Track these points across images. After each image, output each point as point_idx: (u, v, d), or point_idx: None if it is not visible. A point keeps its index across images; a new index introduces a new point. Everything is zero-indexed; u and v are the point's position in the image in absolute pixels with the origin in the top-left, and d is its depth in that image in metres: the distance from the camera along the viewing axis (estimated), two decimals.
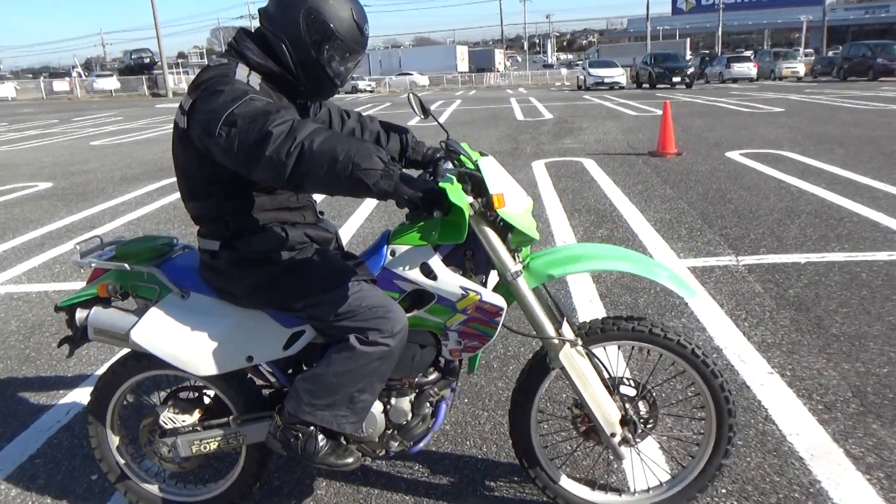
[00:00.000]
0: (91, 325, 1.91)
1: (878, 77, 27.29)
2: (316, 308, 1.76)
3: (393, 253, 1.81)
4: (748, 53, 39.34)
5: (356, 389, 1.76)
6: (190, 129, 1.65)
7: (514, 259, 1.80)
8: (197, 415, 2.01)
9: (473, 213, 1.69)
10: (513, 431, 2.03)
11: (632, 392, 1.96)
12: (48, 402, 2.95)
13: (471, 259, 1.81)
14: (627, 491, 2.13)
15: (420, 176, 1.65)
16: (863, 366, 2.95)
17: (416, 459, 2.38)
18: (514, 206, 1.72)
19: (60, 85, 47.10)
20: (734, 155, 8.91)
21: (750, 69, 31.96)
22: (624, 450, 1.91)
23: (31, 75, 71.50)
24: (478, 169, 1.69)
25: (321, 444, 1.84)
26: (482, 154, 1.88)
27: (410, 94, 1.97)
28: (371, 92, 41.89)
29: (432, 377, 1.92)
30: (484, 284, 1.85)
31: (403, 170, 1.55)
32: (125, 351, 2.03)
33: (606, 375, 1.92)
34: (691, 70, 29.52)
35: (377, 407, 1.89)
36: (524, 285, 1.78)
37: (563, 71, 51.26)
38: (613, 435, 1.89)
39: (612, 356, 2.11)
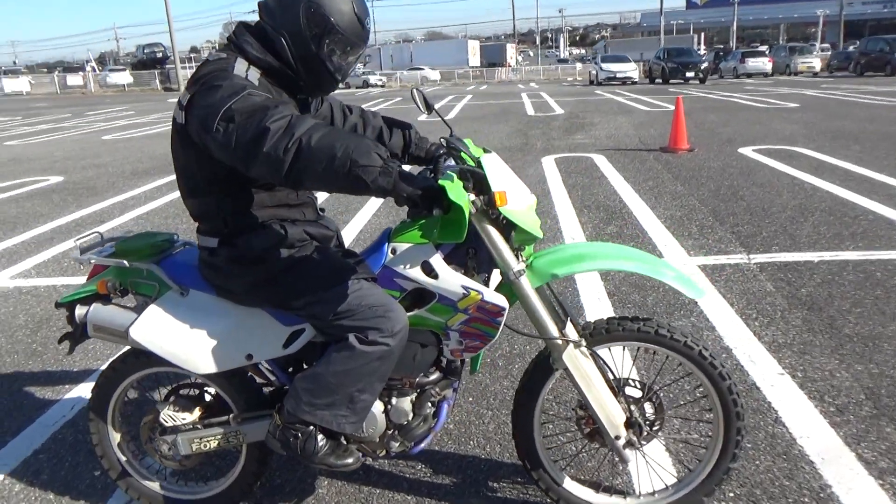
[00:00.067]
0: (90, 322, 1.89)
1: (895, 72, 26.90)
2: (315, 306, 1.73)
3: (394, 251, 1.78)
4: (763, 48, 38.95)
5: (356, 389, 1.74)
6: (188, 125, 1.63)
7: (518, 258, 1.76)
8: (197, 413, 2.00)
9: (475, 211, 1.66)
10: (516, 432, 2.00)
11: (637, 394, 1.92)
12: (53, 397, 2.95)
13: (473, 258, 1.78)
14: (632, 494, 2.10)
15: (420, 173, 1.62)
16: (876, 367, 2.89)
17: (418, 459, 2.36)
18: (516, 203, 1.68)
19: (74, 79, 47.47)
20: (747, 151, 8.80)
21: (765, 64, 31.57)
22: (628, 453, 1.88)
23: (45, 70, 72.15)
24: (480, 166, 1.65)
25: (321, 443, 1.81)
26: (485, 151, 1.85)
27: (414, 90, 1.94)
28: (382, 87, 41.88)
29: (434, 377, 1.89)
30: (486, 283, 1.82)
31: (403, 167, 1.52)
32: (128, 347, 2.02)
33: (611, 377, 1.88)
34: (705, 65, 29.18)
35: (378, 407, 1.87)
36: (527, 285, 1.75)
37: (578, 66, 50.91)
38: (618, 438, 1.85)
39: (620, 357, 2.07)
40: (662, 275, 1.80)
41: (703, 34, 62.00)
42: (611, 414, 1.84)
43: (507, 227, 1.71)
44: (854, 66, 30.15)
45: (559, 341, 1.79)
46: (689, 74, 28.18)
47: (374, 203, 6.42)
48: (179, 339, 1.82)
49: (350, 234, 5.43)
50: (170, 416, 1.97)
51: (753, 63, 31.71)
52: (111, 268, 1.92)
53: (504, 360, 3.13)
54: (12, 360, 3.36)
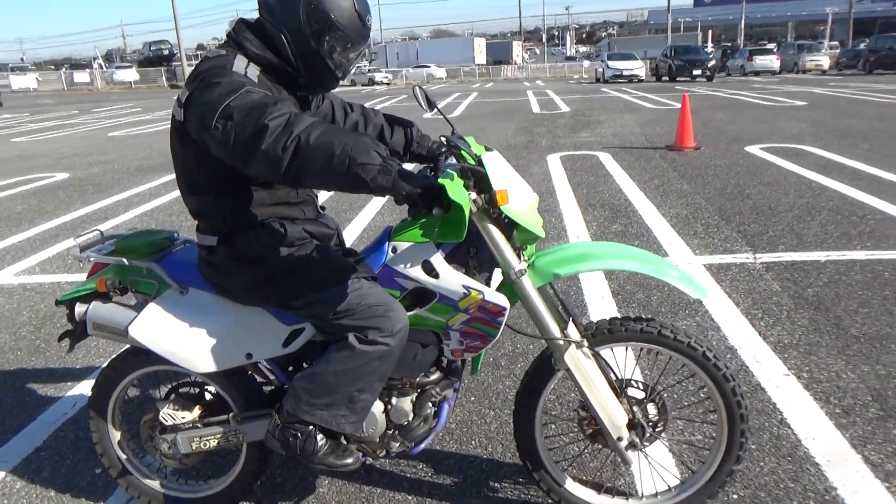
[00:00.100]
0: (90, 320, 1.89)
1: None
2: (315, 306, 1.72)
3: (394, 250, 1.77)
4: (771, 46, 38.68)
5: (355, 389, 1.73)
6: (186, 122, 1.62)
7: (519, 257, 1.74)
8: (197, 411, 1.99)
9: (476, 210, 1.64)
10: (517, 433, 1.98)
11: (640, 395, 1.90)
12: (56, 394, 2.95)
13: (474, 257, 1.77)
14: (635, 495, 2.08)
15: (420, 171, 1.60)
16: (884, 368, 2.85)
17: (419, 458, 2.35)
18: (518, 202, 1.66)
19: (81, 76, 47.67)
20: (754, 149, 8.74)
21: (773, 62, 31.38)
22: (631, 454, 1.86)
23: (53, 67, 72.42)
24: (481, 164, 1.63)
25: (320, 443, 1.80)
26: (487, 149, 1.83)
27: (416, 87, 1.92)
28: (388, 84, 41.84)
29: (434, 377, 1.87)
30: (488, 283, 1.80)
31: (402, 165, 1.50)
32: (128, 345, 2.01)
33: (613, 377, 1.86)
34: (712, 63, 29.02)
35: (378, 407, 1.85)
36: (528, 284, 1.73)
37: (585, 63, 50.65)
38: (620, 439, 1.83)
39: (623, 358, 2.05)
40: (666, 275, 1.78)
41: (710, 32, 61.61)
42: (613, 415, 1.83)
43: (509, 227, 1.70)
44: (863, 64, 29.92)
45: (561, 342, 1.77)
46: (697, 72, 28.02)
47: (378, 201, 6.40)
48: (179, 337, 1.81)
49: (354, 232, 5.42)
50: (169, 414, 1.96)
51: (761, 61, 31.51)
52: (111, 266, 1.91)
53: (507, 359, 3.11)
54: (15, 357, 3.37)
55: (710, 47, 47.30)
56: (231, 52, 1.69)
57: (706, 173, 7.30)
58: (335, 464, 1.82)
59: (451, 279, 1.72)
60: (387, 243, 1.78)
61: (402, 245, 1.76)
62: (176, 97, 1.70)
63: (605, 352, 1.88)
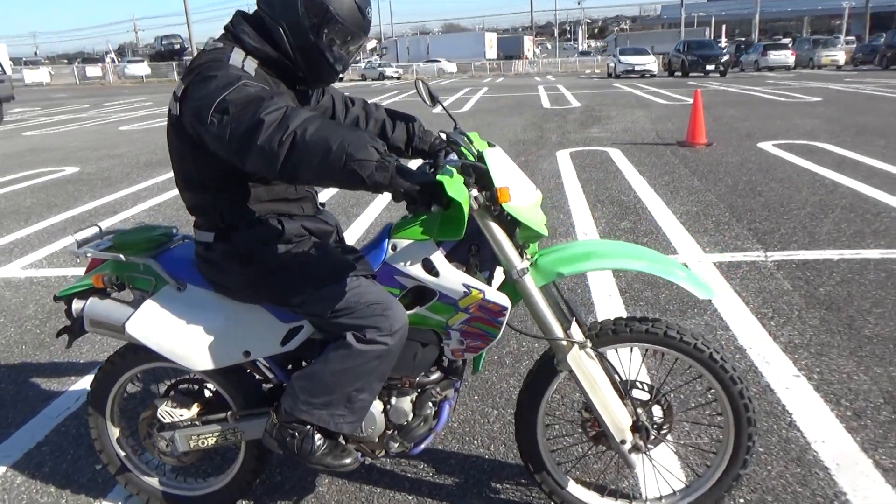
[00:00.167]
0: (87, 317, 1.87)
1: None
2: (312, 304, 1.69)
3: (394, 247, 1.73)
4: (786, 41, 38.21)
5: (354, 389, 1.70)
6: (182, 116, 1.59)
7: (522, 256, 1.71)
8: (195, 409, 1.97)
9: (477, 207, 1.60)
10: (519, 434, 1.95)
11: (645, 396, 1.86)
12: (59, 389, 2.95)
13: (476, 255, 1.73)
14: (639, 498, 2.04)
15: (420, 168, 1.56)
16: None
17: (420, 458, 2.32)
18: (521, 199, 1.62)
19: (93, 70, 48.03)
20: (767, 146, 8.63)
21: (787, 57, 31.01)
22: (635, 457, 1.82)
23: (66, 61, 72.91)
24: (483, 160, 1.60)
25: (318, 443, 1.78)
26: (490, 144, 1.79)
27: (419, 81, 1.88)
28: (398, 79, 41.78)
29: (434, 377, 1.84)
30: (489, 281, 1.77)
31: (401, 161, 1.47)
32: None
33: (618, 379, 1.82)
34: (725, 58, 28.75)
35: (377, 406, 1.82)
36: (531, 283, 1.69)
37: (599, 58, 50.33)
38: (623, 442, 1.79)
39: (629, 358, 2.01)
40: (672, 274, 1.74)
41: (724, 26, 60.98)
42: (616, 417, 1.79)
43: (511, 224, 1.66)
44: (880, 60, 29.49)
45: (563, 342, 1.73)
46: (710, 67, 27.77)
47: (385, 196, 6.37)
48: (176, 334, 1.79)
49: (359, 229, 5.40)
50: (167, 412, 1.95)
51: (775, 56, 31.16)
52: (108, 262, 1.89)
53: (511, 357, 3.07)
54: (20, 351, 3.37)
55: (723, 42, 46.86)
56: (228, 45, 1.66)
57: (717, 170, 7.21)
58: (333, 464, 1.80)
59: (452, 278, 1.68)
60: (386, 240, 1.75)
61: (402, 242, 1.72)
62: (173, 91, 1.67)
63: (609, 352, 1.84)
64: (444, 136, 1.77)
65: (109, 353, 3.17)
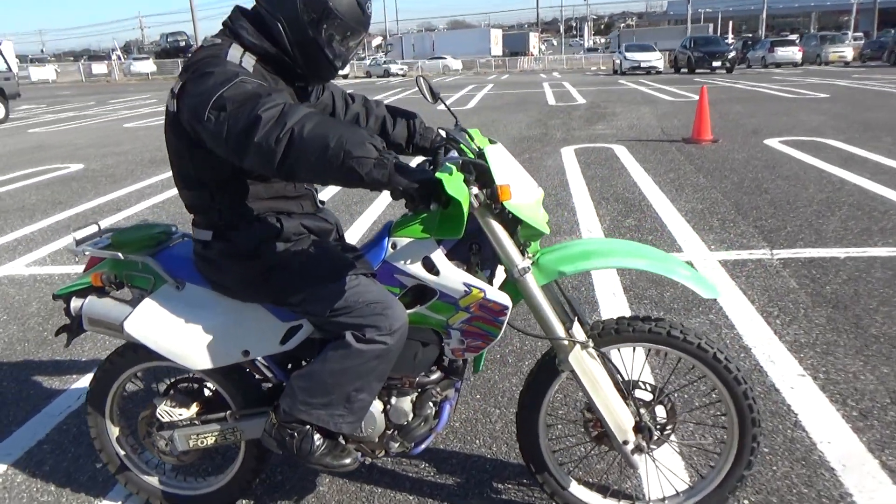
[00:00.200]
0: (85, 316, 1.86)
1: None
2: (311, 303, 1.67)
3: (394, 246, 1.71)
4: (793, 37, 37.98)
5: (353, 388, 1.68)
6: (180, 113, 1.57)
7: (523, 254, 1.68)
8: (195, 408, 1.96)
9: (478, 205, 1.58)
10: (520, 434, 1.93)
11: (648, 397, 1.84)
12: (60, 387, 2.95)
13: (477, 253, 1.71)
14: (642, 499, 2.02)
15: (419, 165, 1.54)
16: None
17: (421, 458, 2.30)
18: (522, 197, 1.60)
19: (99, 68, 48.10)
20: (773, 142, 8.57)
21: (794, 53, 30.79)
22: (637, 458, 1.80)
23: (72, 58, 73.12)
24: (483, 157, 1.57)
25: (317, 443, 1.76)
26: (491, 141, 1.76)
27: (420, 78, 1.85)
28: (403, 76, 41.73)
29: (435, 377, 1.82)
30: (490, 280, 1.75)
31: (401, 158, 1.44)
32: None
33: (620, 379, 1.80)
34: (732, 54, 28.55)
35: (377, 406, 1.81)
36: (532, 282, 1.67)
37: (604, 55, 50.11)
38: (626, 442, 1.77)
39: (632, 358, 1.99)
40: (676, 273, 1.71)
41: (731, 23, 60.69)
42: (619, 418, 1.77)
43: (513, 222, 1.64)
44: (888, 56, 29.24)
45: (565, 342, 1.71)
46: (716, 64, 27.59)
47: (386, 195, 6.34)
48: (174, 333, 1.78)
49: (362, 227, 5.38)
50: (167, 411, 1.93)
51: (783, 52, 30.93)
52: (106, 260, 1.88)
53: (514, 356, 3.05)
54: (23, 349, 3.37)
55: (730, 38, 46.60)
56: (226, 41, 1.64)
57: (723, 167, 7.16)
58: (332, 464, 1.78)
59: (452, 276, 1.66)
60: (386, 239, 1.73)
61: (403, 241, 1.70)
62: (170, 88, 1.65)
63: (612, 352, 1.81)
64: (443, 134, 1.75)
65: (111, 351, 3.19)
